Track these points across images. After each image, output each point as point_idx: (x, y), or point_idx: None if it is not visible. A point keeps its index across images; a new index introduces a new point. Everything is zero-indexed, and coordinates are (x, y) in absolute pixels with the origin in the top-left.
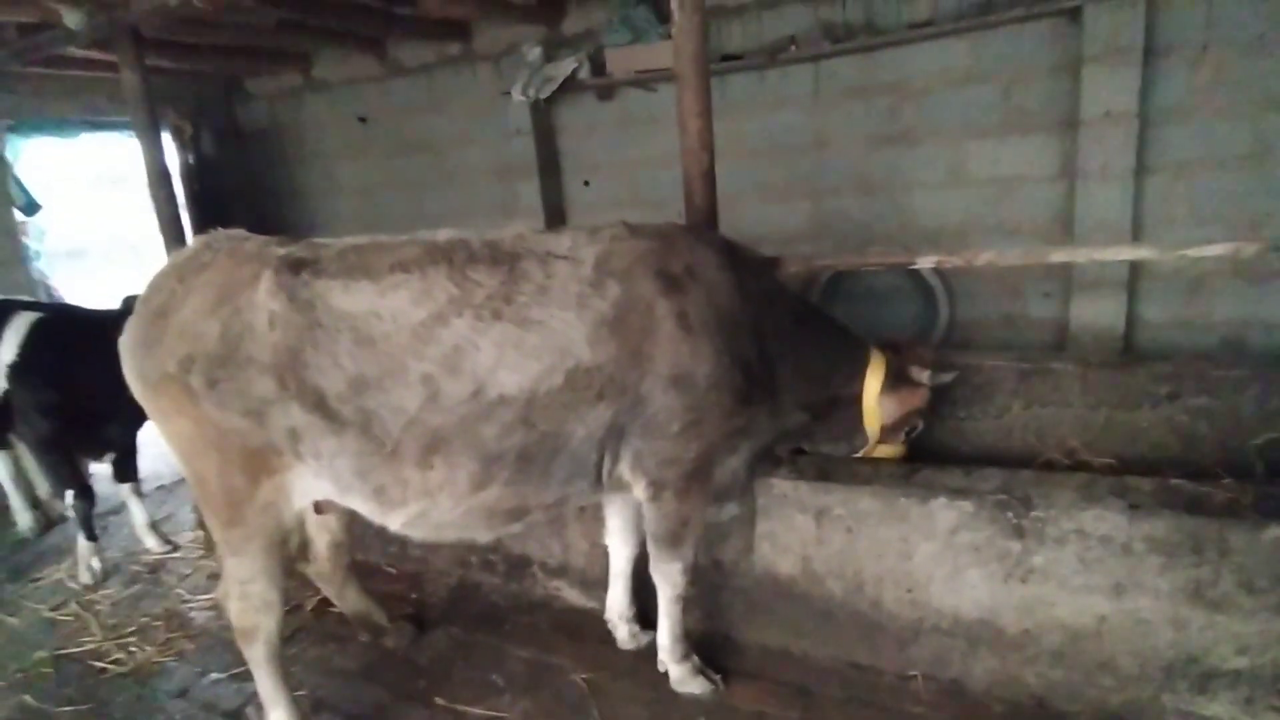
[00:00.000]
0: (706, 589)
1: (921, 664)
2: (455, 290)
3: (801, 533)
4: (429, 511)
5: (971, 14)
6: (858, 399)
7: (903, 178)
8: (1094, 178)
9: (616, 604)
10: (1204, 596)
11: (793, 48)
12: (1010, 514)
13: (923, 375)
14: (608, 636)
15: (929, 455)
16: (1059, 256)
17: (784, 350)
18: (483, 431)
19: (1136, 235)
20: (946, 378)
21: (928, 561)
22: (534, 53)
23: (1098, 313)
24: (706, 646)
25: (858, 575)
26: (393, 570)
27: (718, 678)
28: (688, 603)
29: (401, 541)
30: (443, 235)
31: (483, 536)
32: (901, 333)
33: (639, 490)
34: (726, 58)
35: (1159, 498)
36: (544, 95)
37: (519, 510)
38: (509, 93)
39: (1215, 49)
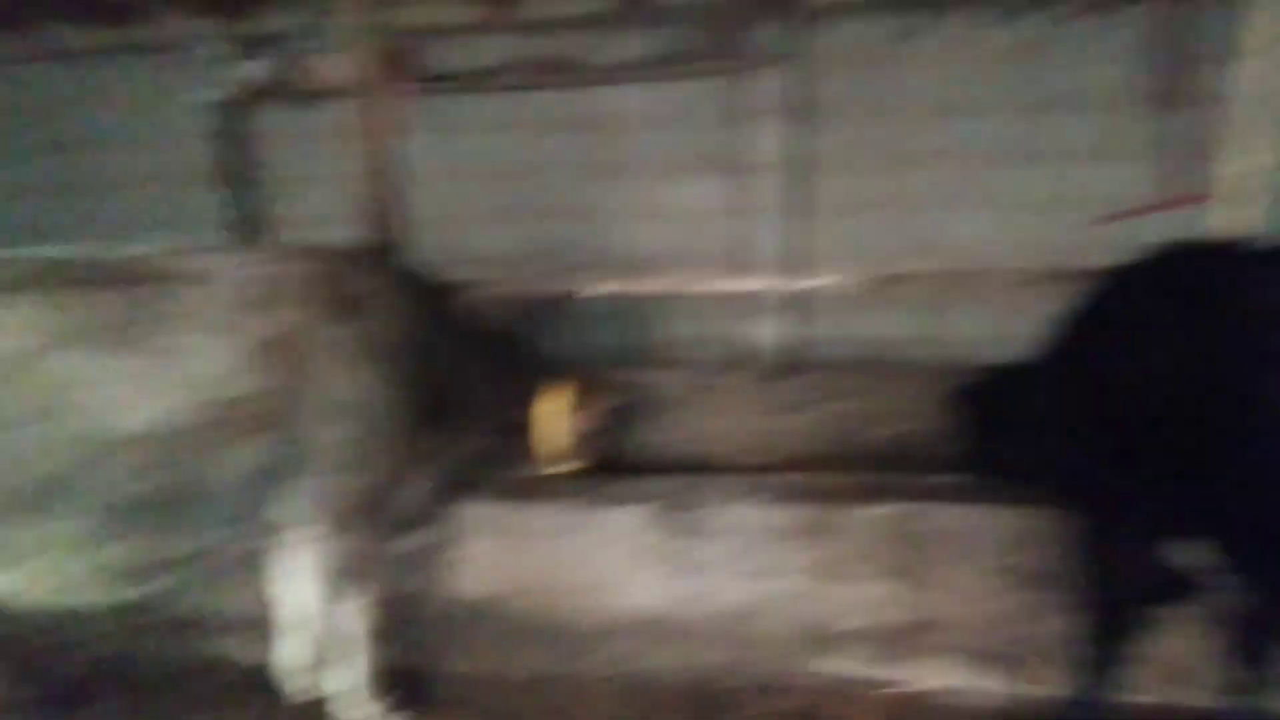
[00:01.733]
0: (401, 623)
1: (613, 665)
2: (69, 316)
3: (497, 554)
4: (45, 572)
5: (669, 62)
6: (530, 424)
7: (612, 207)
8: (762, 215)
9: (293, 655)
10: (825, 571)
11: (506, 75)
12: (677, 517)
13: (602, 397)
14: (287, 692)
15: (622, 468)
16: (699, 286)
17: (463, 375)
18: (106, 477)
19: (801, 267)
20: (619, 400)
21: (613, 567)
22: (220, 48)
23: (772, 331)
24: (404, 682)
25: (552, 589)
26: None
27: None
28: (377, 640)
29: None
30: (62, 251)
31: (121, 596)
32: (589, 354)
33: (308, 529)
34: (440, 78)
35: (793, 491)
36: (236, 97)
37: (161, 564)
38: (191, 90)
39: (852, 113)
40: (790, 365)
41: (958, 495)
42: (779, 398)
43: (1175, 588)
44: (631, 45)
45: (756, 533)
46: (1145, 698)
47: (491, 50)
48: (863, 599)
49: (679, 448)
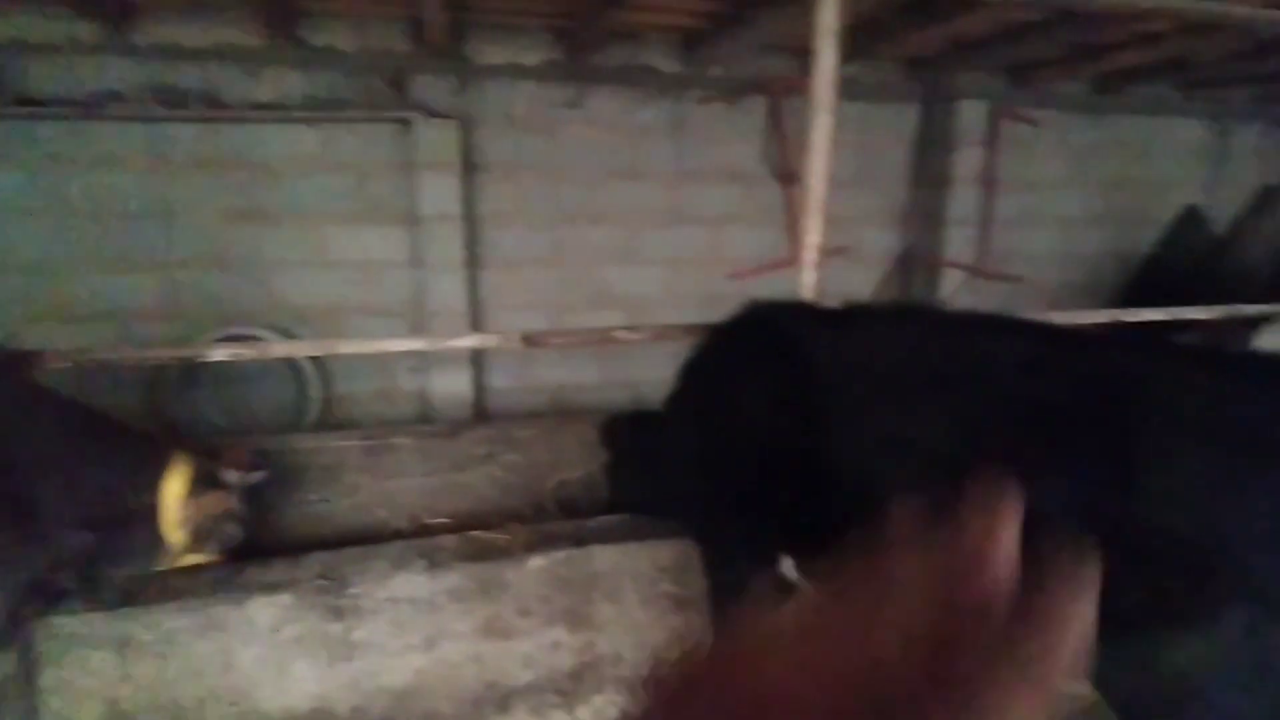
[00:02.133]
0: None
1: None
2: None
3: (102, 673)
4: None
5: (316, 106)
6: (154, 510)
7: (265, 256)
8: (436, 268)
9: None
10: (494, 629)
11: (129, 105)
12: (329, 597)
13: (232, 477)
14: None
15: (270, 550)
16: (346, 348)
17: (46, 463)
18: None
19: (476, 319)
20: (256, 477)
21: (253, 667)
22: None
23: (452, 384)
24: None
25: (177, 704)
26: None
27: None
28: None
29: None
30: None
31: None
32: (239, 421)
33: None
34: (27, 101)
35: (458, 552)
36: None
37: None
38: None
39: (520, 171)
40: (467, 419)
41: (614, 535)
42: (454, 454)
43: (778, 596)
44: (288, 85)
45: (422, 601)
46: None
47: (113, 74)
48: (534, 650)
49: (341, 519)
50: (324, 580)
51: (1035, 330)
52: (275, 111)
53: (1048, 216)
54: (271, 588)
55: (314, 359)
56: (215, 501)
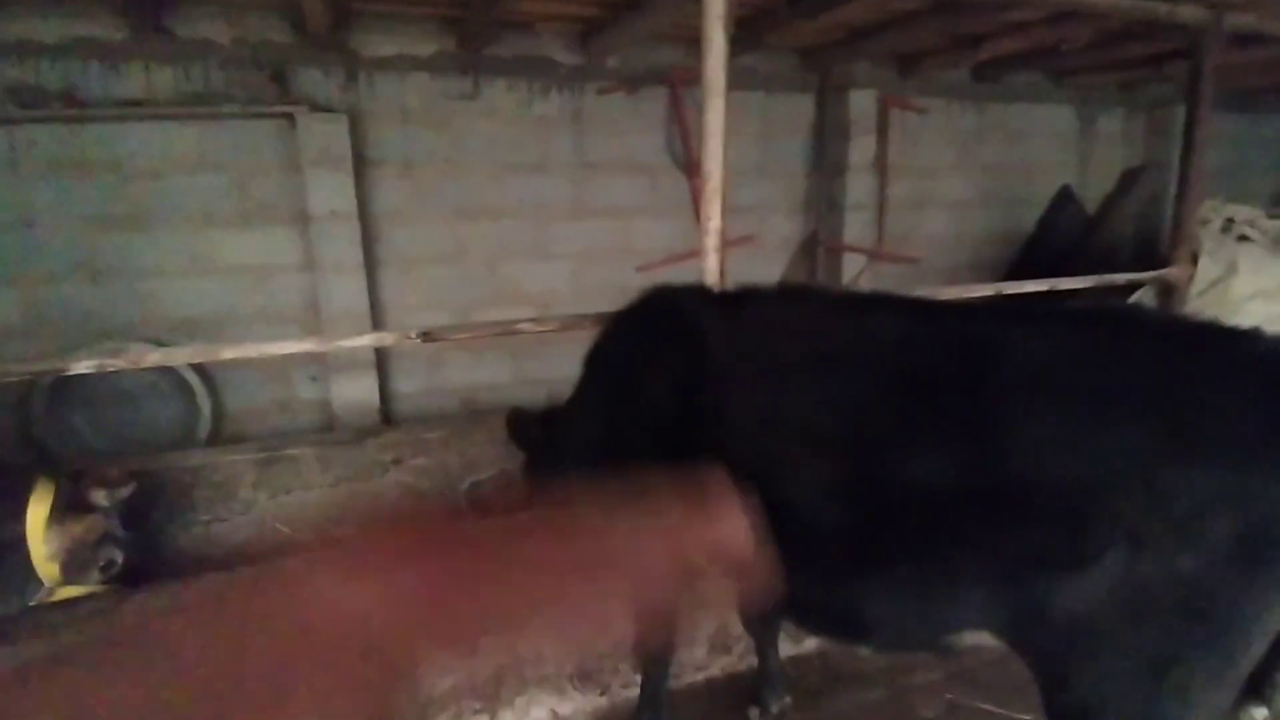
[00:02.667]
0: None
1: None
2: None
3: None
4: None
5: (190, 101)
6: (20, 540)
7: (140, 264)
8: (331, 269)
9: None
10: None
11: None
12: None
13: (99, 496)
14: None
15: (176, 572)
16: (228, 354)
17: None
18: None
19: (377, 320)
20: (125, 492)
21: None
22: None
23: (355, 390)
24: None
25: None
26: None
27: None
28: None
29: None
30: None
31: None
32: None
33: None
34: None
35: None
36: None
37: None
38: None
39: (417, 166)
40: (372, 426)
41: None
42: (359, 462)
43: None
44: (158, 81)
45: None
46: (703, 675)
47: None
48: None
49: (237, 537)
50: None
51: (907, 306)
52: (144, 109)
53: (939, 200)
54: (159, 615)
55: (202, 373)
56: (87, 526)
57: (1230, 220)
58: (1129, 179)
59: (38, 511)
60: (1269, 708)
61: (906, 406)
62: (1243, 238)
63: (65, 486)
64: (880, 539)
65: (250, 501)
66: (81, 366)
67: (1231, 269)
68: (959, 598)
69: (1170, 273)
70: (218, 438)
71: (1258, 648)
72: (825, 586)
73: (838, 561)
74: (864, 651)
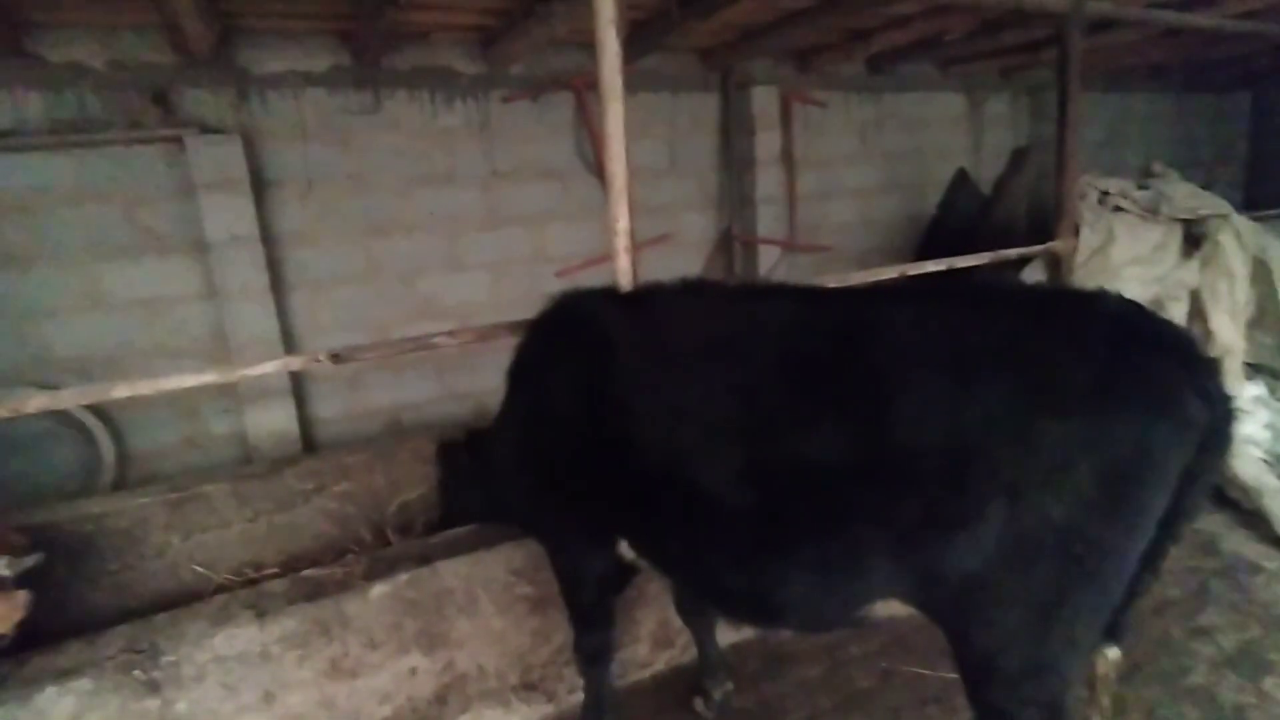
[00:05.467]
0: None
1: None
2: None
3: None
4: None
5: (65, 129)
6: None
7: (24, 304)
8: (235, 296)
9: None
10: (341, 669)
11: None
12: (138, 671)
13: (3, 567)
14: None
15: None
16: (120, 392)
17: None
18: None
19: (290, 346)
20: (30, 561)
21: None
22: None
23: (272, 420)
24: None
25: None
26: None
27: None
28: None
29: None
30: None
31: None
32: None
33: None
34: None
35: (289, 595)
36: None
37: None
38: None
39: (320, 184)
40: (287, 456)
41: (461, 547)
42: (277, 493)
43: (624, 575)
44: (25, 108)
45: (253, 655)
46: (649, 671)
47: None
48: (390, 681)
49: (149, 584)
50: (130, 653)
51: (791, 294)
52: (12, 140)
53: (844, 189)
54: (65, 674)
55: (102, 416)
56: (3, 610)
57: (1105, 193)
58: (1018, 159)
59: None
60: (1120, 647)
61: (795, 390)
62: (1118, 209)
63: None
64: (783, 521)
65: (163, 545)
66: (24, 404)
67: (1109, 238)
68: (864, 570)
69: (1056, 245)
70: (124, 482)
71: (1125, 584)
72: (737, 573)
73: (745, 547)
74: (787, 633)
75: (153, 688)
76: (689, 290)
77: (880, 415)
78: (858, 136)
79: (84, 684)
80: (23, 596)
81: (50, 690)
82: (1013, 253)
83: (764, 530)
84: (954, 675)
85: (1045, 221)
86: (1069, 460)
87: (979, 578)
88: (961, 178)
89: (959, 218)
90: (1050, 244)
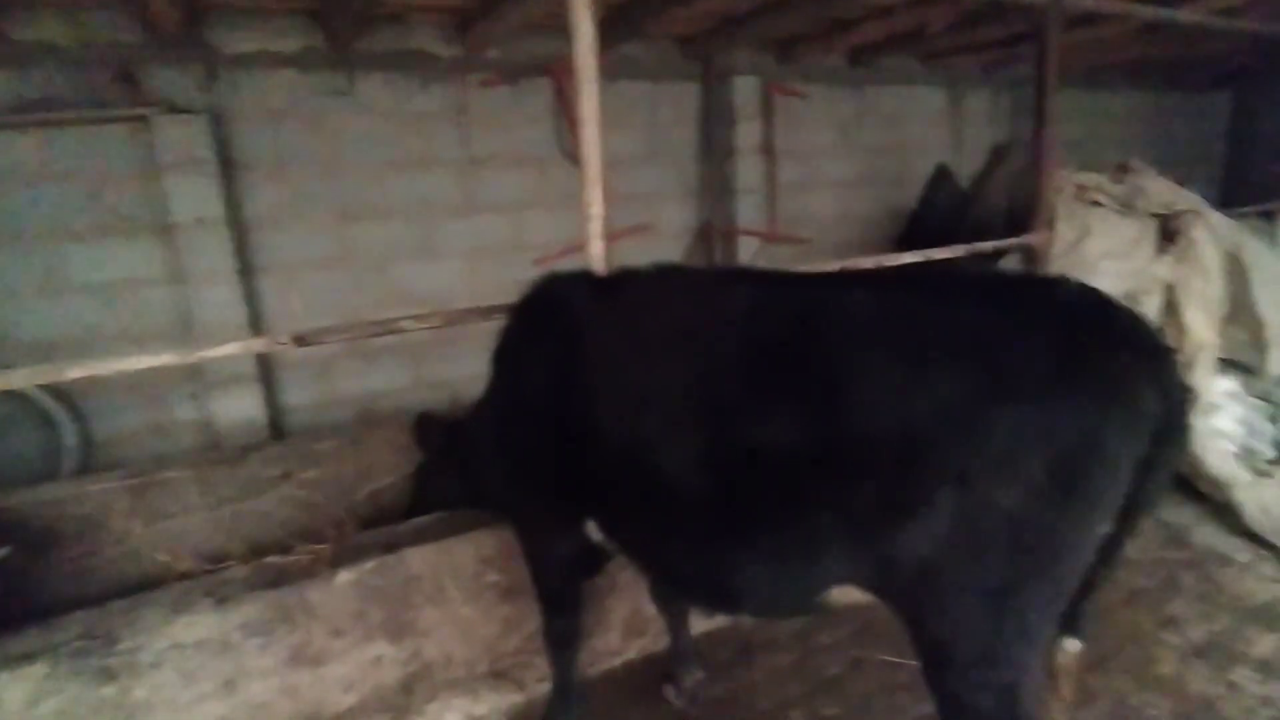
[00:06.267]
0: None
1: None
2: None
3: None
4: None
5: (31, 108)
6: None
7: None
8: (202, 279)
9: None
10: (304, 656)
11: None
12: (95, 658)
13: None
14: None
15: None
16: (75, 373)
17: None
18: None
19: (259, 332)
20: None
21: None
22: None
23: (238, 407)
24: None
25: None
26: None
27: None
28: None
29: None
30: None
31: None
32: None
33: None
34: None
35: (250, 582)
36: None
37: None
38: None
39: (291, 166)
40: (254, 442)
41: (428, 534)
42: (243, 480)
43: (594, 560)
44: None
45: (213, 642)
46: (620, 659)
47: None
48: (354, 670)
49: (110, 571)
50: (87, 640)
51: (755, 278)
52: None
53: (824, 181)
54: (19, 660)
55: (65, 400)
56: None
57: (1082, 187)
58: (998, 154)
59: None
60: (1080, 639)
61: (752, 375)
62: (1095, 203)
63: None
64: (740, 506)
65: (124, 532)
66: None
67: (1085, 232)
68: (820, 556)
69: (1032, 239)
70: (88, 469)
71: (1079, 575)
72: (696, 557)
73: (704, 532)
74: (748, 620)
75: (108, 675)
76: (661, 274)
77: (834, 401)
78: (838, 129)
79: (39, 670)
80: None
81: (4, 676)
82: (989, 245)
83: (722, 515)
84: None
85: (1024, 217)
86: (1019, 449)
87: (932, 565)
88: (941, 173)
89: (939, 213)
90: (1026, 237)
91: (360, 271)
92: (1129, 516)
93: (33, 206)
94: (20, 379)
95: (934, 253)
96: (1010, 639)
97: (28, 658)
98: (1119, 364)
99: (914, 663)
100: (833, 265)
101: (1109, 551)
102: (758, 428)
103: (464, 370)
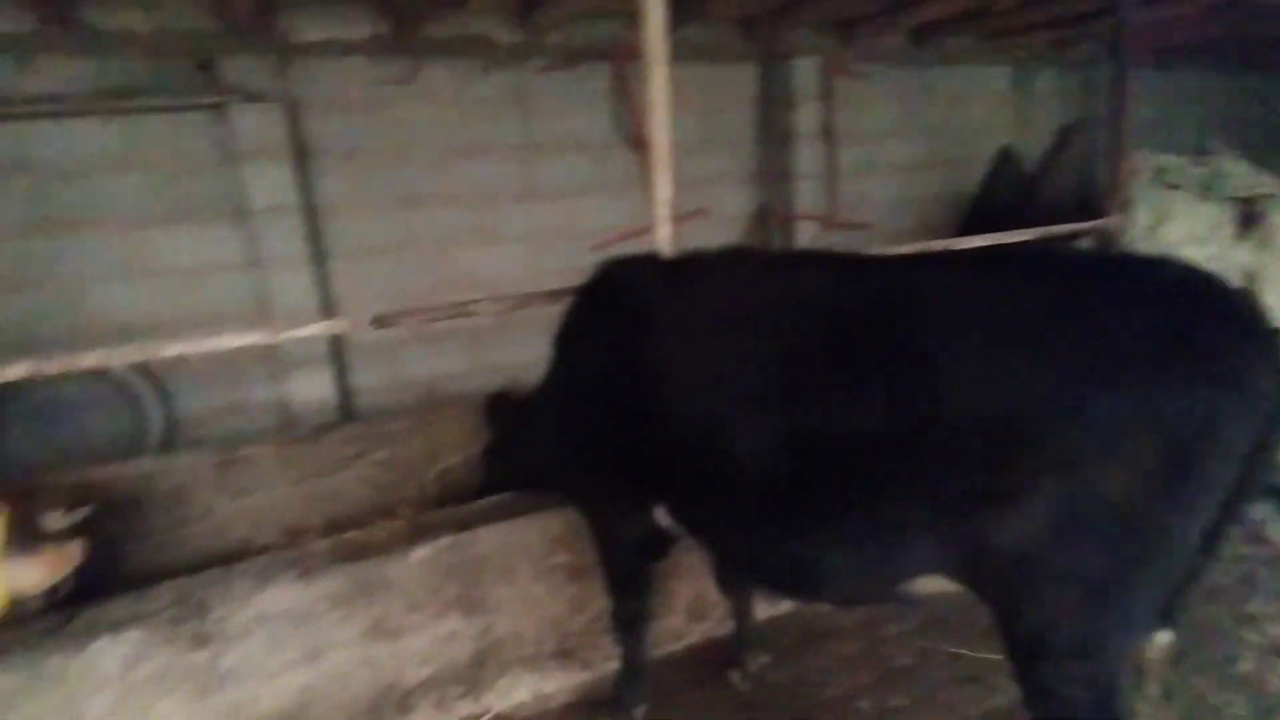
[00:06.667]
0: None
1: None
2: None
3: None
4: None
5: (112, 96)
6: None
7: (69, 270)
8: (277, 265)
9: None
10: (383, 630)
11: None
12: (188, 625)
13: (57, 520)
14: None
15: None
16: (170, 351)
17: None
18: None
19: (330, 314)
20: (81, 514)
21: (106, 717)
22: None
23: (312, 387)
24: None
25: None
26: None
27: None
28: None
29: None
30: None
31: None
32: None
33: None
34: None
35: (332, 556)
36: None
37: None
38: None
39: (358, 153)
40: (329, 422)
41: (498, 514)
42: (320, 459)
43: (662, 543)
44: (74, 75)
45: (298, 613)
46: (683, 642)
47: None
48: (430, 644)
49: (197, 543)
50: (180, 608)
51: (835, 260)
52: (59, 105)
53: (884, 165)
54: (118, 625)
55: (150, 379)
56: (50, 552)
57: (1161, 170)
58: (1066, 136)
59: None
60: (1175, 630)
61: (837, 358)
62: (1174, 186)
63: (19, 509)
64: (822, 492)
65: (209, 506)
66: (15, 372)
67: (1164, 216)
68: (906, 543)
69: (1107, 222)
70: (171, 446)
71: (1184, 564)
72: (773, 544)
73: (782, 517)
74: (825, 608)
75: (201, 642)
76: (732, 257)
77: (927, 384)
78: (900, 111)
79: (134, 635)
80: (76, 546)
81: (102, 641)
82: (1061, 230)
83: (802, 501)
84: (993, 656)
85: (1092, 202)
86: (1128, 433)
87: (1028, 553)
88: (1006, 155)
89: (1002, 196)
90: (1100, 221)
91: (422, 257)
92: (1235, 503)
93: (114, 193)
94: (122, 356)
95: (1002, 237)
96: (1110, 630)
97: (122, 624)
98: (1231, 345)
99: (985, 655)
100: (898, 249)
101: (1212, 540)
102: (843, 411)
103: (521, 355)
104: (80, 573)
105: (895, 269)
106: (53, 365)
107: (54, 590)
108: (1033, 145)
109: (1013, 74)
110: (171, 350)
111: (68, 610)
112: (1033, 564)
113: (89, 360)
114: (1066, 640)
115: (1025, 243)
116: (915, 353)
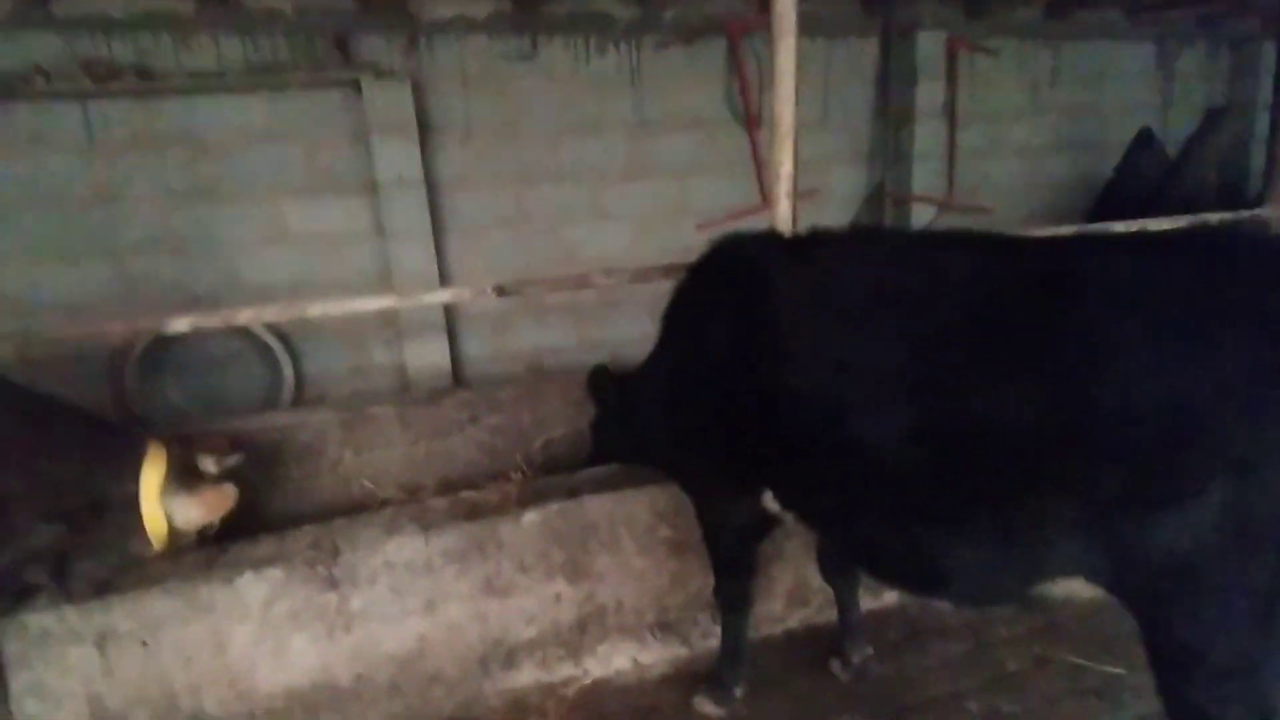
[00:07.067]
0: None
1: None
2: None
3: (81, 669)
4: None
5: (259, 71)
6: (133, 500)
7: (218, 236)
8: (400, 235)
9: None
10: (494, 587)
11: (41, 81)
12: (322, 568)
13: (209, 463)
14: None
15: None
16: (314, 310)
17: (9, 453)
18: None
19: (445, 284)
20: (233, 461)
21: (248, 646)
22: None
23: (428, 353)
24: None
25: (168, 694)
26: None
27: None
28: None
29: None
30: None
31: None
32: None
33: None
34: None
35: (450, 513)
36: None
37: None
38: None
39: (477, 130)
40: (445, 387)
41: (606, 485)
42: (436, 421)
43: (767, 526)
44: (227, 52)
45: (419, 564)
46: (781, 627)
47: (35, 49)
48: (536, 604)
49: (326, 493)
50: (315, 551)
51: (980, 242)
52: (214, 80)
53: (1010, 146)
54: (260, 563)
55: (284, 340)
56: (204, 493)
57: None
58: (1212, 119)
59: (151, 476)
60: None
61: (982, 345)
62: None
63: (176, 453)
64: (957, 484)
65: (337, 460)
66: (178, 325)
67: None
68: (1050, 542)
69: (1265, 212)
70: (297, 402)
71: None
72: (898, 535)
73: (911, 509)
74: (942, 605)
75: (333, 584)
76: (861, 237)
77: (1087, 375)
78: (1029, 89)
79: (276, 573)
80: (230, 489)
81: (249, 576)
82: (1211, 218)
83: (934, 493)
84: (1117, 669)
85: (1239, 190)
86: None
87: (1190, 561)
88: (1145, 138)
89: (1139, 182)
90: (1257, 210)
91: (534, 232)
92: None
93: (258, 165)
94: (270, 315)
95: (1146, 223)
96: (1275, 648)
97: (266, 561)
98: None
99: (1108, 669)
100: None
101: None
102: (987, 401)
103: (622, 333)
104: (230, 515)
105: (1053, 252)
106: (213, 319)
107: (206, 529)
108: (1175, 129)
109: (1156, 51)
110: (315, 310)
111: (218, 546)
112: (1194, 573)
113: (243, 317)
114: (1224, 657)
115: (1190, 229)
116: (1076, 340)
